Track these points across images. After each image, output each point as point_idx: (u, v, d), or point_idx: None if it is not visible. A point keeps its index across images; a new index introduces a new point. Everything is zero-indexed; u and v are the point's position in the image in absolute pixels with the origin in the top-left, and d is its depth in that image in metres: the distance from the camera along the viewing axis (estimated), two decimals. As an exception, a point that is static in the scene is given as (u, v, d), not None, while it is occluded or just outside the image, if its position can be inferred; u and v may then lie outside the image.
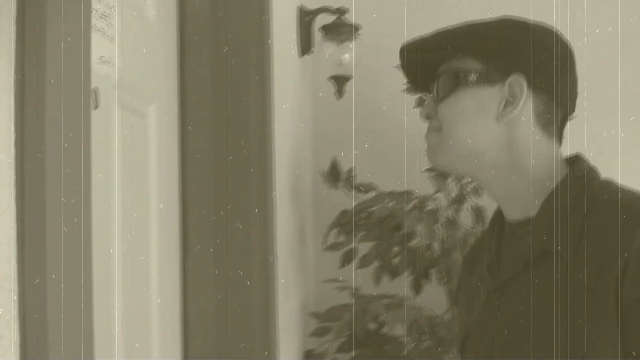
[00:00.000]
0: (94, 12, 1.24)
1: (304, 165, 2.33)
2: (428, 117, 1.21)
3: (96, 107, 1.24)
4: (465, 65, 1.16)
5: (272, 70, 1.72)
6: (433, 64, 1.20)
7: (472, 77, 1.15)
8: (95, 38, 1.24)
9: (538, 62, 1.14)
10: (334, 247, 2.13)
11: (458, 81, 1.16)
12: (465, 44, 1.16)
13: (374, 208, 1.97)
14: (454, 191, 2.16)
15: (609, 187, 1.15)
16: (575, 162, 1.18)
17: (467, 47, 1.16)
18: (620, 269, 1.04)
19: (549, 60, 1.15)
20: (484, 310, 1.19)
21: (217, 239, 1.64)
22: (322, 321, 2.06)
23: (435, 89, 1.20)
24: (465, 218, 2.16)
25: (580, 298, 1.06)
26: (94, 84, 1.23)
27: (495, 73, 1.14)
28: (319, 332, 2.11)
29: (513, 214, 1.18)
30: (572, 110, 1.20)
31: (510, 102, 1.13)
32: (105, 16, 1.27)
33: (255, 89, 1.67)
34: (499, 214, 1.23)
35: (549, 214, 1.14)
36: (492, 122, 1.14)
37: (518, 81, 1.13)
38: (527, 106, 1.14)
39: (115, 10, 1.30)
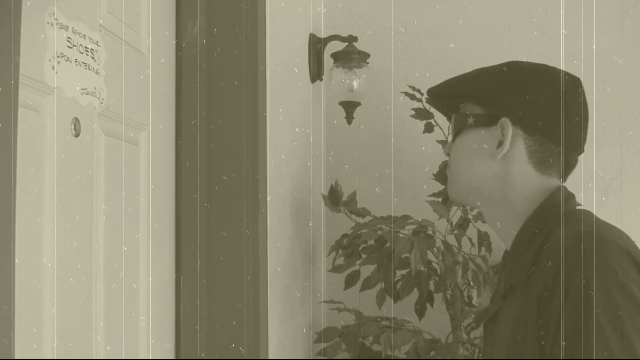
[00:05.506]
0: (77, 46, 1.34)
1: (316, 188, 2.39)
2: (447, 155, 1.35)
3: (77, 135, 1.33)
4: (468, 110, 1.28)
5: (266, 95, 1.80)
6: (453, 107, 1.34)
7: (470, 120, 1.26)
8: (78, 71, 1.34)
9: (524, 104, 1.22)
10: (337, 269, 2.17)
11: (464, 123, 1.28)
12: (468, 91, 1.29)
13: (366, 231, 2.01)
14: (457, 217, 2.18)
15: (572, 218, 1.16)
16: (552, 194, 1.21)
17: (469, 94, 1.28)
18: (557, 309, 1.03)
19: (536, 101, 1.22)
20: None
21: (209, 258, 1.72)
22: (317, 341, 2.11)
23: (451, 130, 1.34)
24: (467, 243, 2.18)
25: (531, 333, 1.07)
26: (76, 114, 1.33)
27: (490, 116, 1.25)
28: (322, 352, 2.16)
29: (508, 246, 1.26)
30: (578, 147, 1.25)
31: (502, 142, 1.23)
32: (89, 50, 1.36)
33: (249, 115, 1.75)
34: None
35: (517, 247, 1.21)
36: (488, 161, 1.24)
37: (505, 122, 1.22)
38: (518, 145, 1.23)
39: (100, 45, 1.39)
